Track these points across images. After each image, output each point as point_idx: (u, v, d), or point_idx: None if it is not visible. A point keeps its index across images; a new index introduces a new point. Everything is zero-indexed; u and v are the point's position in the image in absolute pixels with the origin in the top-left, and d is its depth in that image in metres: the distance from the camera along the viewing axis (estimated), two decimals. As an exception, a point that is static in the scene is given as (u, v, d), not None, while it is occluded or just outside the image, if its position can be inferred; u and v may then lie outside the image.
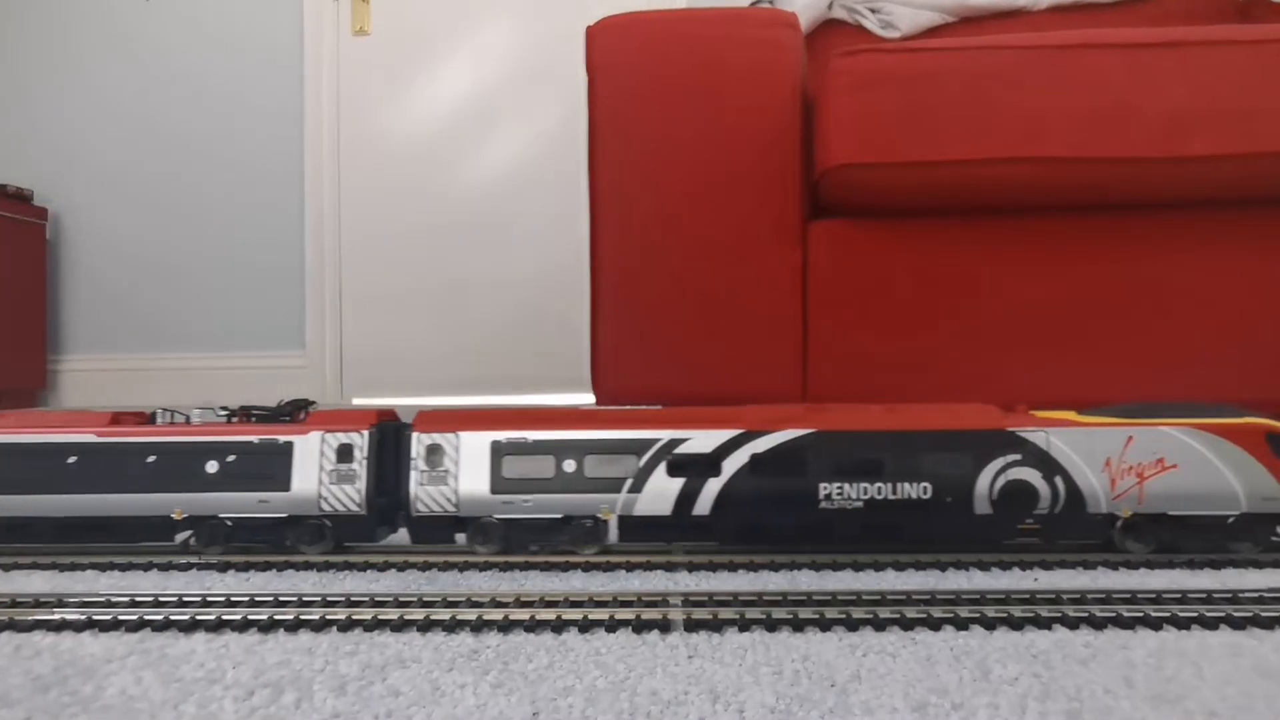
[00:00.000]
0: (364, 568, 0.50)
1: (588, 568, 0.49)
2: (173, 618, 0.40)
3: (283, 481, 0.49)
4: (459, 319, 2.43)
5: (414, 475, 0.49)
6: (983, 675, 0.34)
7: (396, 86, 2.43)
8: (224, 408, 0.52)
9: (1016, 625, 0.39)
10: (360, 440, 0.49)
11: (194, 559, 0.51)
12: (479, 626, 0.39)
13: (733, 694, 0.32)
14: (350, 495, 0.49)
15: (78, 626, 0.40)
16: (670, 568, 0.49)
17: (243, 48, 2.44)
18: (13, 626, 0.40)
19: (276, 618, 0.40)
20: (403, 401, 2.38)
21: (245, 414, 0.51)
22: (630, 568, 0.49)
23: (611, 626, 0.39)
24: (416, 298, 2.44)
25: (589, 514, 0.49)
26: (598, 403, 1.51)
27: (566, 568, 0.49)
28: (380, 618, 0.39)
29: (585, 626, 0.39)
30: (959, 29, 1.96)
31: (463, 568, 0.49)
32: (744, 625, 0.39)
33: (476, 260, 2.42)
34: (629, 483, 0.49)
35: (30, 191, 2.33)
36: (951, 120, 1.26)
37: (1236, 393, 1.42)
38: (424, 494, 0.49)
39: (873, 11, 2.00)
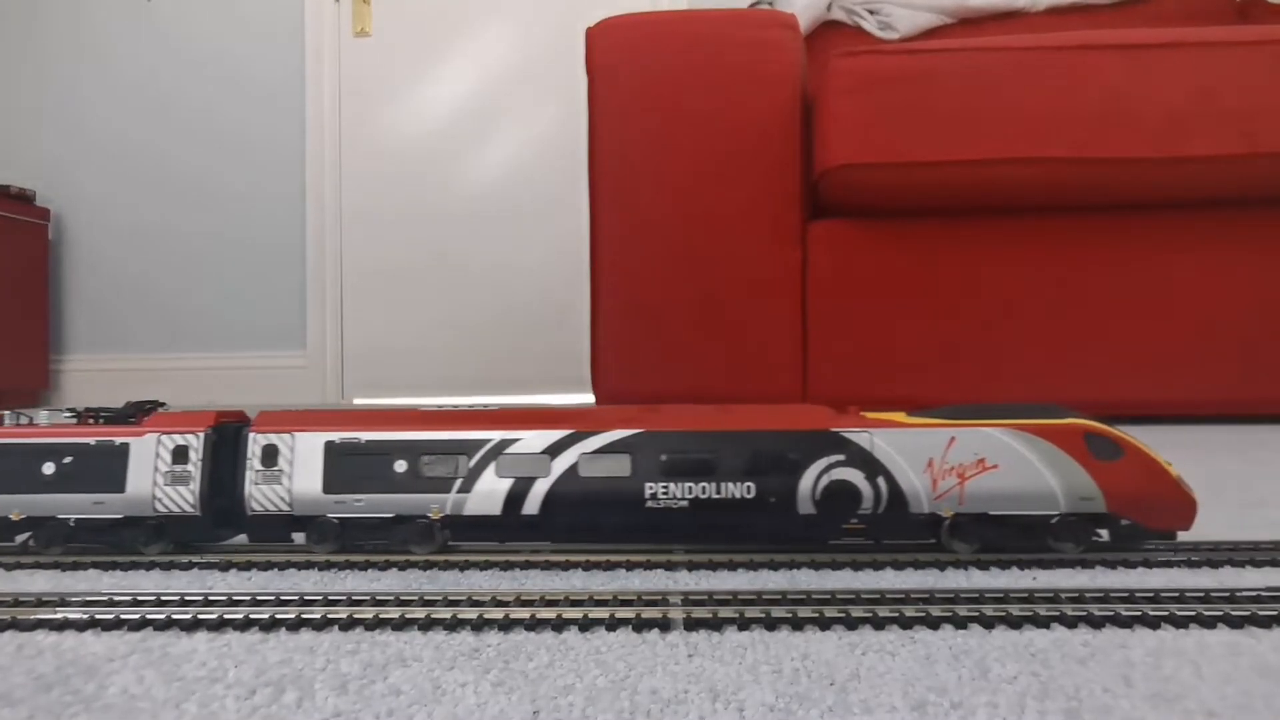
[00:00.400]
0: (365, 567, 0.50)
1: (588, 566, 0.49)
2: (175, 616, 0.40)
3: (118, 483, 0.50)
4: (460, 319, 2.43)
5: (249, 475, 0.50)
6: (981, 674, 0.34)
7: (398, 88, 2.44)
8: (70, 409, 0.53)
9: (1015, 624, 0.39)
10: (196, 442, 0.50)
11: (196, 558, 0.51)
12: (480, 625, 0.39)
13: (732, 692, 0.32)
14: (185, 496, 0.50)
15: (80, 625, 0.40)
16: (670, 566, 0.49)
17: (244, 51, 2.44)
18: (15, 626, 0.40)
19: (278, 616, 0.40)
20: (404, 401, 2.38)
21: (91, 416, 0.52)
22: (630, 566, 0.49)
23: (612, 625, 0.39)
24: (418, 298, 2.44)
25: (421, 513, 0.50)
26: (597, 402, 1.52)
27: (567, 567, 0.49)
28: (382, 616, 0.40)
29: (586, 625, 0.39)
30: (957, 30, 1.97)
31: (463, 567, 0.49)
32: (743, 624, 0.39)
33: (478, 261, 2.42)
34: (459, 483, 0.49)
35: (33, 192, 2.34)
36: (950, 121, 1.26)
37: (1236, 391, 1.43)
38: (258, 493, 0.50)
39: (871, 13, 2.00)
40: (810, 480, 0.48)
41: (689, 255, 1.43)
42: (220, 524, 0.52)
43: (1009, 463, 0.48)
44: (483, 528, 0.50)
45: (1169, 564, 0.49)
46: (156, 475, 0.50)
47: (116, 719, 0.31)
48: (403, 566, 0.50)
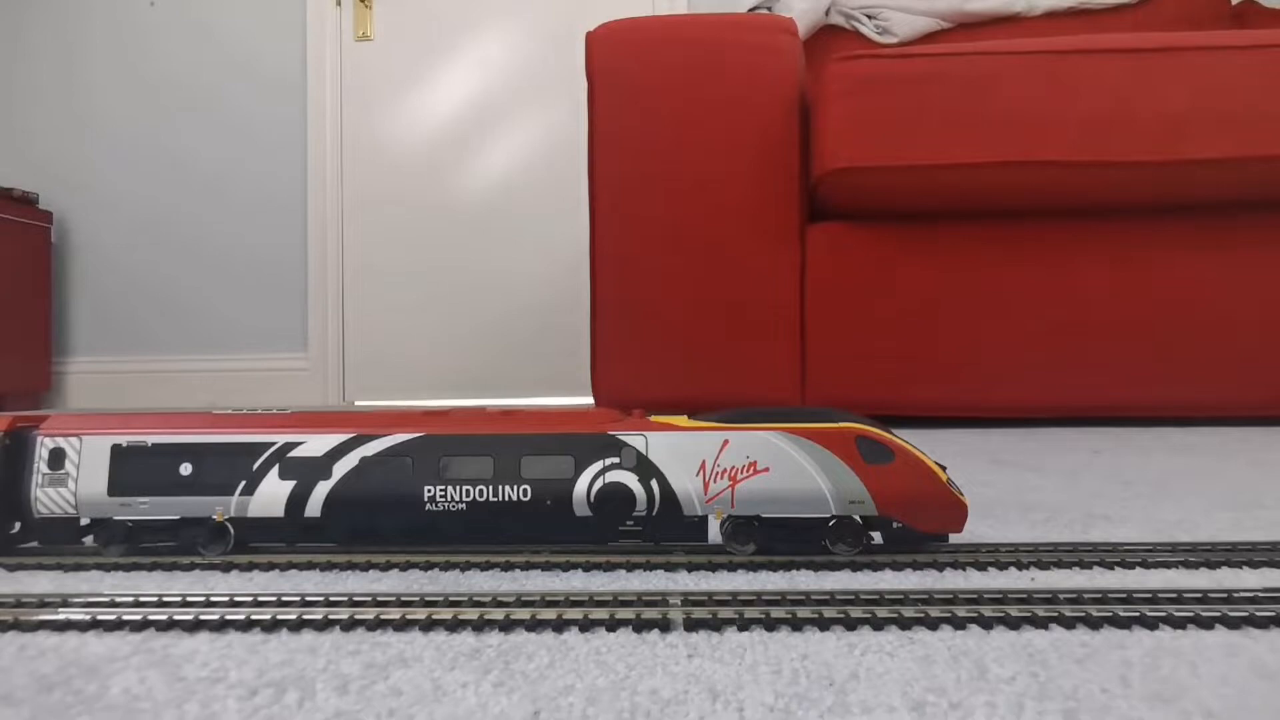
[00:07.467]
0: (366, 567, 0.50)
1: (588, 567, 0.49)
2: (177, 617, 0.40)
3: None
4: (462, 321, 2.43)
5: (35, 478, 0.51)
6: (980, 674, 0.34)
7: (399, 91, 2.44)
8: None
9: (1013, 625, 0.39)
10: None
11: (198, 559, 0.51)
12: (481, 626, 0.39)
13: (732, 692, 0.32)
14: None
15: (82, 626, 0.40)
16: (670, 567, 0.50)
17: (245, 53, 2.45)
18: (17, 626, 0.40)
19: (280, 617, 0.40)
20: (405, 403, 2.38)
21: None
22: (630, 567, 0.50)
23: (612, 626, 0.39)
24: (419, 300, 2.44)
25: (206, 515, 0.51)
26: (597, 404, 1.52)
27: (567, 567, 0.49)
28: (383, 617, 0.40)
29: (586, 626, 0.39)
30: (955, 35, 1.98)
31: (464, 567, 0.50)
32: (743, 624, 0.39)
33: (479, 263, 2.42)
34: (242, 485, 0.50)
35: (35, 195, 2.35)
36: (948, 125, 1.26)
37: (1236, 394, 1.43)
38: (44, 496, 0.51)
39: (870, 18, 2.01)
40: (585, 483, 0.49)
41: (688, 258, 1.43)
42: (15, 528, 0.52)
43: (780, 465, 0.48)
44: (266, 530, 0.51)
45: (1167, 564, 0.49)
46: None
47: (118, 719, 0.31)
48: (404, 568, 0.50)
